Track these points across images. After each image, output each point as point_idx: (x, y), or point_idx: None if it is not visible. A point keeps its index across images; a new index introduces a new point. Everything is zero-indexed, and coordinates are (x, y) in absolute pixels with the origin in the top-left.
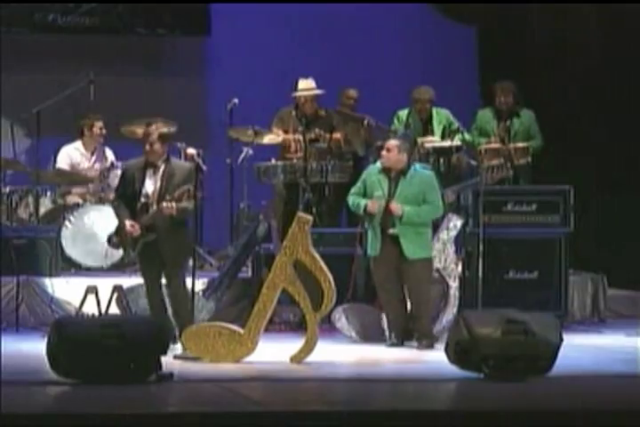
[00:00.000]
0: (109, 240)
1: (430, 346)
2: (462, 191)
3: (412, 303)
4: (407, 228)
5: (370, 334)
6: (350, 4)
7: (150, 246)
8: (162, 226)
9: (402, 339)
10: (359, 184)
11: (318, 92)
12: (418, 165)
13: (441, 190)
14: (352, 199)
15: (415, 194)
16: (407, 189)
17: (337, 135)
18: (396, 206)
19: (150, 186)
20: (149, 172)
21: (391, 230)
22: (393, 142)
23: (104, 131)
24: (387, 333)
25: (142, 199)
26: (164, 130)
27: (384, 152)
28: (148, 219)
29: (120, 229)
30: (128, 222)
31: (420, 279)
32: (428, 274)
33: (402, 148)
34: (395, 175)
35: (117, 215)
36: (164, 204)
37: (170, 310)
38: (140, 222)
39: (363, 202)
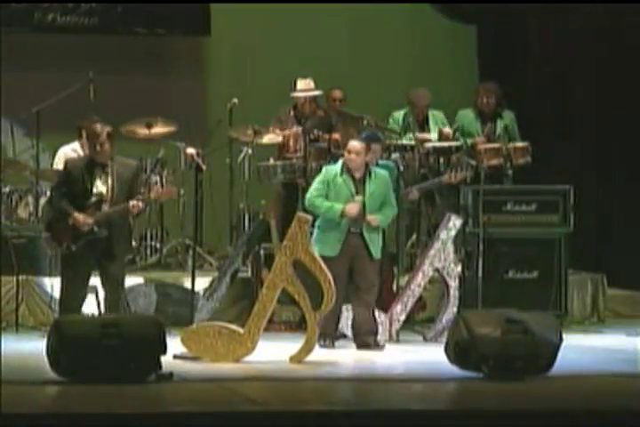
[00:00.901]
0: (52, 238)
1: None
2: (425, 190)
3: (361, 303)
4: (372, 229)
5: None
6: (350, 4)
7: (94, 244)
8: (117, 224)
9: (332, 341)
10: (320, 186)
11: (317, 93)
12: (380, 163)
13: (402, 189)
14: (320, 202)
15: (380, 194)
16: (374, 190)
17: (336, 135)
18: (372, 218)
19: (101, 185)
20: (97, 170)
21: (353, 229)
22: (358, 145)
23: None
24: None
25: (93, 198)
26: (110, 129)
27: (352, 155)
28: (102, 216)
29: (58, 223)
30: (81, 216)
31: (376, 279)
32: (378, 274)
33: (366, 149)
34: (359, 176)
35: (62, 208)
36: (134, 202)
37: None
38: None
39: (337, 206)
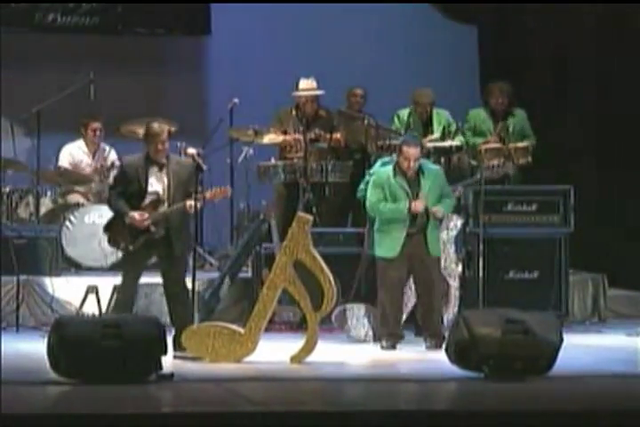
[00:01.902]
0: (109, 239)
1: (439, 346)
2: (470, 186)
3: (425, 301)
4: (432, 226)
5: (370, 334)
6: (351, 3)
7: (151, 244)
8: (174, 223)
9: (395, 342)
10: (378, 190)
11: (319, 92)
12: (423, 161)
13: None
14: (383, 206)
15: (435, 189)
16: (429, 186)
17: (337, 135)
18: (436, 209)
19: (158, 184)
20: (153, 169)
21: (411, 230)
22: (414, 151)
23: (99, 132)
24: (370, 334)
25: (149, 197)
26: (170, 127)
27: (411, 163)
28: (159, 215)
29: (116, 223)
30: (137, 213)
31: (438, 275)
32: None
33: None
34: (410, 176)
35: (119, 209)
36: (192, 202)
37: (168, 312)
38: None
39: (402, 205)
